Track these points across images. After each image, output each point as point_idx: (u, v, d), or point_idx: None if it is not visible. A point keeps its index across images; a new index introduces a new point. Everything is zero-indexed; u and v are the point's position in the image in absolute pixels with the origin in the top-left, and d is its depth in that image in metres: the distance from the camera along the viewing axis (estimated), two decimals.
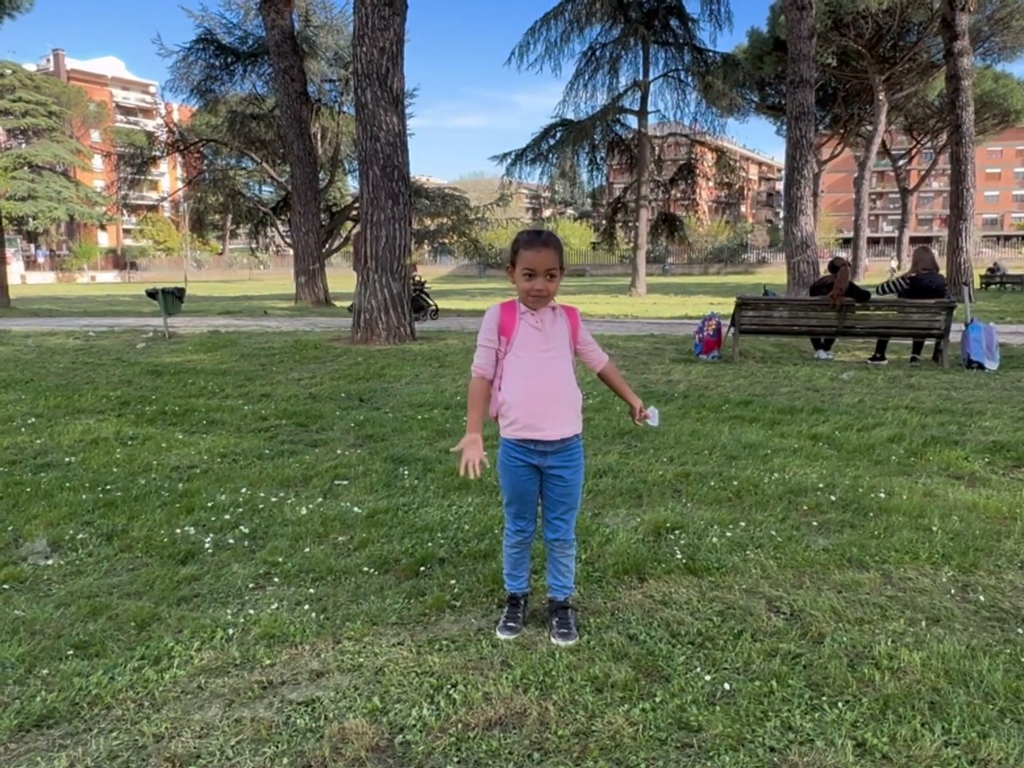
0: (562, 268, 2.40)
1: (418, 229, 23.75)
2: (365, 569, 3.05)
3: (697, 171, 25.06)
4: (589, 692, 2.25)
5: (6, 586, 2.94)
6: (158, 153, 23.22)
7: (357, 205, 13.34)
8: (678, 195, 26.43)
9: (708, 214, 54.06)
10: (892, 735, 2.07)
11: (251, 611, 2.74)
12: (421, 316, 13.51)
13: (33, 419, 5.69)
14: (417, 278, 14.08)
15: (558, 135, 23.82)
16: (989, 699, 2.21)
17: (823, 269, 13.86)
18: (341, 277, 40.34)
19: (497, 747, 2.04)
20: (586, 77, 23.07)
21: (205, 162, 25.88)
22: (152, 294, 11.48)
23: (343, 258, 53.67)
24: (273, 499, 3.88)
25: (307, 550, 3.25)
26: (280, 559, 3.15)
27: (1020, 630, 2.57)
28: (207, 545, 3.30)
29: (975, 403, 6.12)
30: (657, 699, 2.21)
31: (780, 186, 67.19)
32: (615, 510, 3.71)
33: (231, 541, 3.35)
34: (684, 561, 3.08)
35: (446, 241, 25.30)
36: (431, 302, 14.19)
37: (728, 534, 3.37)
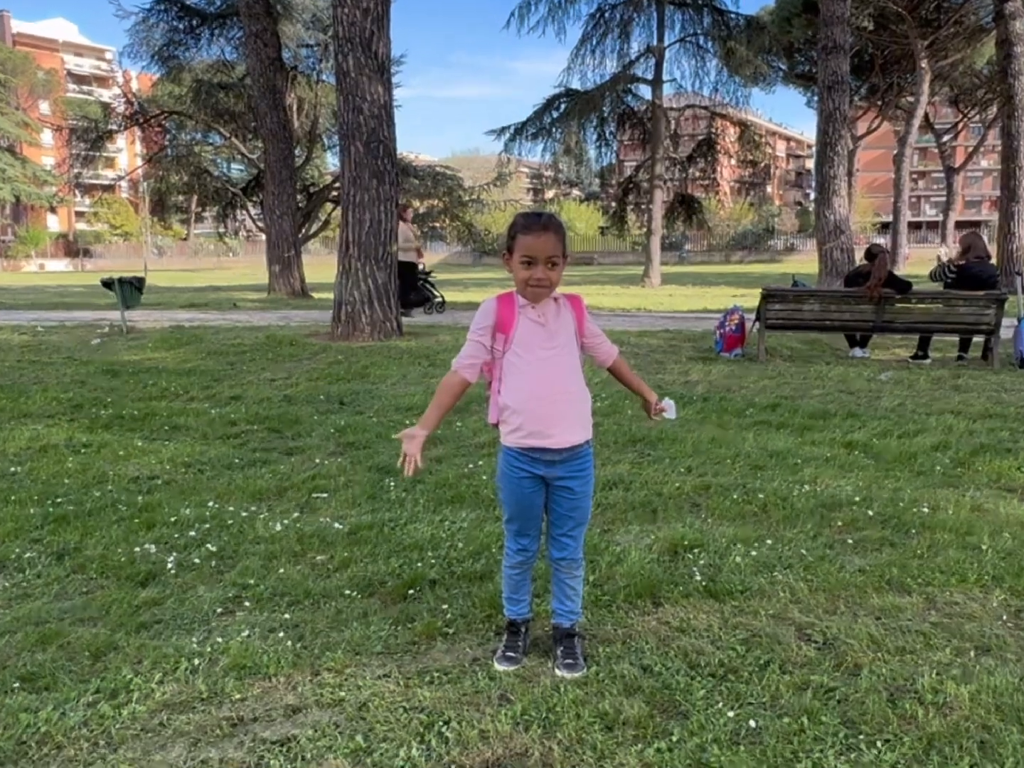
0: (565, 255, 2.41)
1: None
2: (347, 592, 3.05)
3: (718, 147, 25.11)
4: (598, 730, 2.25)
5: None
6: (115, 127, 23.18)
7: (338, 185, 13.37)
8: (697, 174, 26.50)
9: (730, 195, 54.18)
10: None
11: (219, 639, 2.74)
12: (427, 309, 13.43)
13: None
14: (422, 266, 13.91)
15: (562, 107, 23.85)
16: None
17: (859, 257, 13.91)
18: (320, 265, 40.43)
19: None
20: (594, 42, 23.09)
21: (167, 137, 25.88)
22: (108, 284, 11.47)
23: (322, 244, 53.84)
24: (243, 514, 3.89)
25: (282, 571, 3.25)
26: (251, 581, 3.15)
27: None
28: (170, 565, 3.30)
29: None
30: (674, 738, 2.21)
31: (811, 164, 67.42)
32: (627, 526, 3.72)
33: (197, 561, 3.35)
34: (704, 583, 3.09)
35: (437, 225, 25.35)
36: (437, 293, 14.04)
37: (753, 553, 3.38)
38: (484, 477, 4.39)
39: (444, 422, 5.72)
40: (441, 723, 2.29)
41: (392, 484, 4.33)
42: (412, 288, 13.41)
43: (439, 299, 13.75)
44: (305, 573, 3.23)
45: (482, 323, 2.44)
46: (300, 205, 21.55)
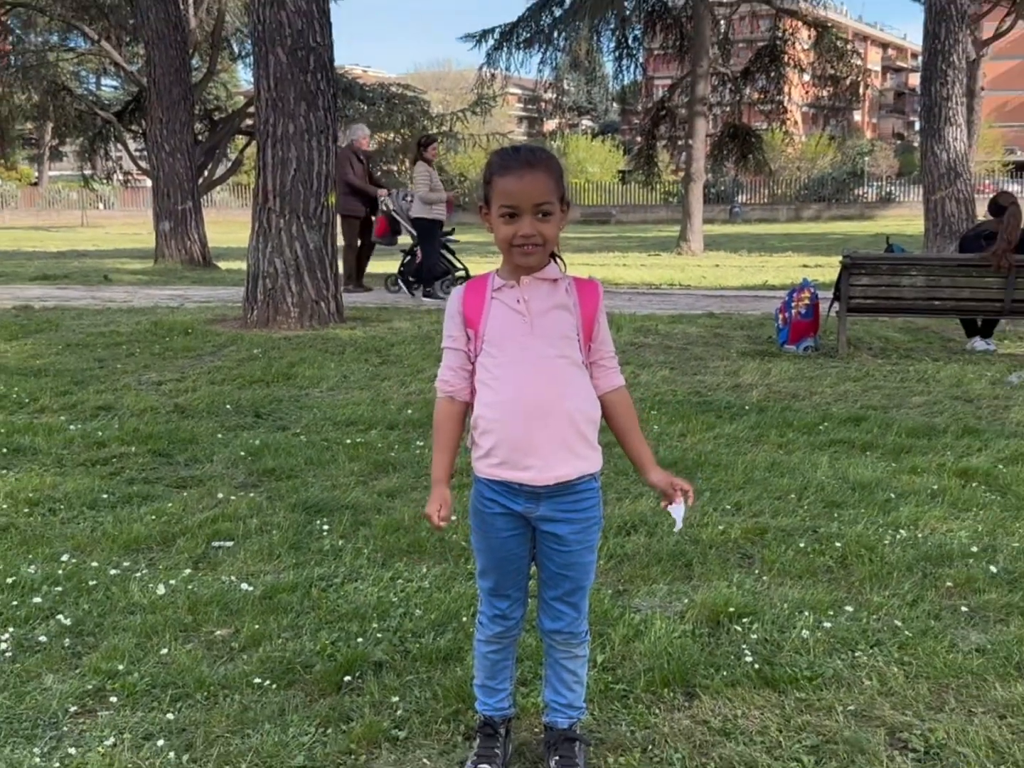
0: (565, 203, 2.44)
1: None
2: (257, 681, 3.05)
3: (785, 58, 25.22)
4: None
5: None
6: None
7: (253, 111, 13.22)
8: (755, 96, 26.64)
9: (802, 126, 54.46)
10: None
11: (71, 750, 2.73)
12: (443, 287, 13.29)
13: None
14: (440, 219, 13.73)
15: (566, 2, 23.92)
16: None
17: (981, 211, 13.97)
18: (228, 223, 40.40)
19: None
20: None
21: (10, 40, 25.80)
22: None
23: (231, 194, 53.73)
24: (113, 571, 3.89)
25: (165, 652, 3.25)
26: (121, 667, 3.15)
27: None
28: (3, 645, 3.29)
29: None
30: None
31: (916, 81, 67.83)
32: (650, 586, 3.74)
33: (43, 639, 3.34)
34: (757, 667, 3.11)
35: (394, 169, 25.37)
36: (459, 264, 13.82)
37: (826, 625, 3.40)
38: (453, 518, 4.38)
39: (400, 441, 5.82)
40: None
41: (325, 528, 4.36)
42: (438, 257, 13.51)
43: (461, 271, 13.59)
44: (198, 655, 3.22)
45: (451, 320, 2.50)
46: (200, 138, 21.57)
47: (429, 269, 13.37)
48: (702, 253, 23.41)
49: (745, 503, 4.66)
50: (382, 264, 16.02)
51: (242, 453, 5.54)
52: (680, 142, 26.91)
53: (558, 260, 2.51)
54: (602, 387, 2.54)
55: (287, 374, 7.74)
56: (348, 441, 5.77)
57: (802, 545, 4.11)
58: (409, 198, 14.04)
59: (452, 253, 13.83)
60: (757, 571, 3.89)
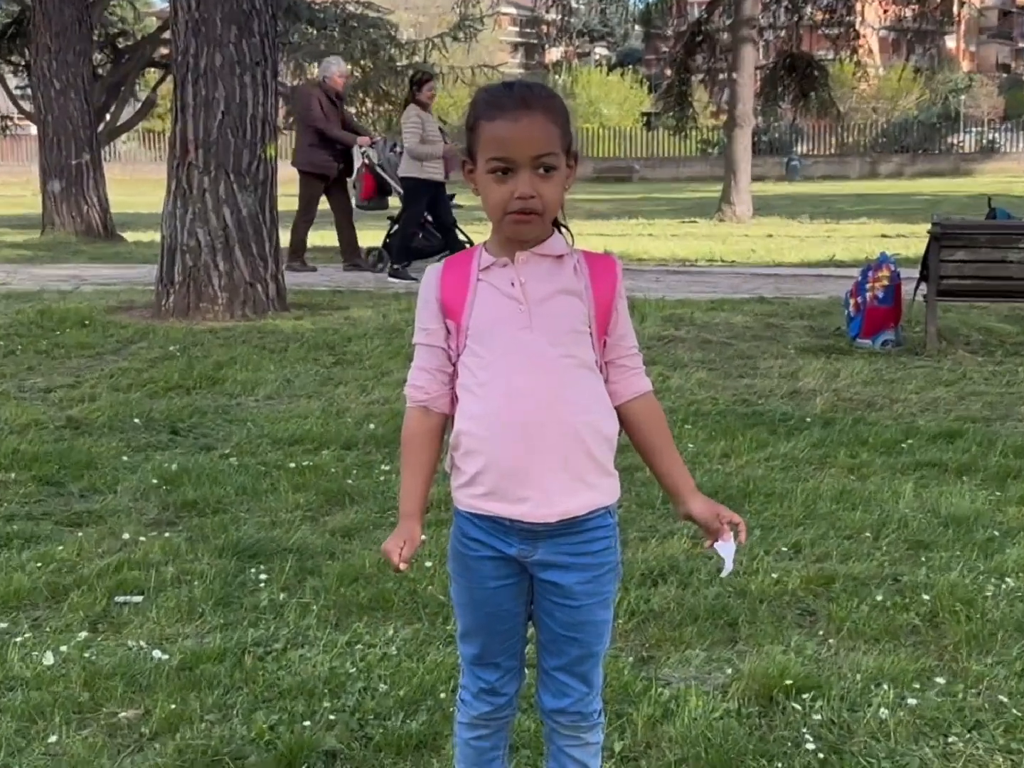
0: (573, 156, 2.44)
1: (295, 86, 23.83)
2: None
3: None
4: None
5: None
6: None
7: (167, 37, 13.13)
8: (818, 17, 26.65)
9: (879, 55, 54.49)
10: None
11: None
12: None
13: None
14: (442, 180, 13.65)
15: None
16: None
17: None
18: (137, 182, 40.27)
19: None
20: None
21: None
22: None
23: (141, 144, 53.60)
24: None
25: (54, 739, 3.24)
26: None
27: None
28: None
29: None
30: None
31: None
32: (683, 652, 3.74)
33: None
34: (821, 756, 3.11)
35: (353, 111, 25.28)
36: (469, 241, 13.75)
37: (911, 701, 3.40)
38: (428, 564, 4.40)
39: (360, 463, 5.81)
40: None
41: (262, 578, 4.35)
42: (440, 226, 13.53)
43: (466, 242, 13.54)
44: (97, 743, 3.21)
45: (425, 309, 2.50)
46: (100, 72, 21.54)
47: (403, 239, 13.38)
48: (750, 219, 23.46)
49: (806, 544, 4.66)
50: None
51: (154, 481, 5.52)
52: (722, 76, 26.90)
53: (564, 230, 2.50)
54: (622, 394, 2.54)
55: (213, 378, 7.73)
56: (292, 465, 5.76)
57: (880, 598, 4.10)
58: (399, 150, 14.00)
59: (456, 226, 13.73)
60: (821, 632, 3.88)
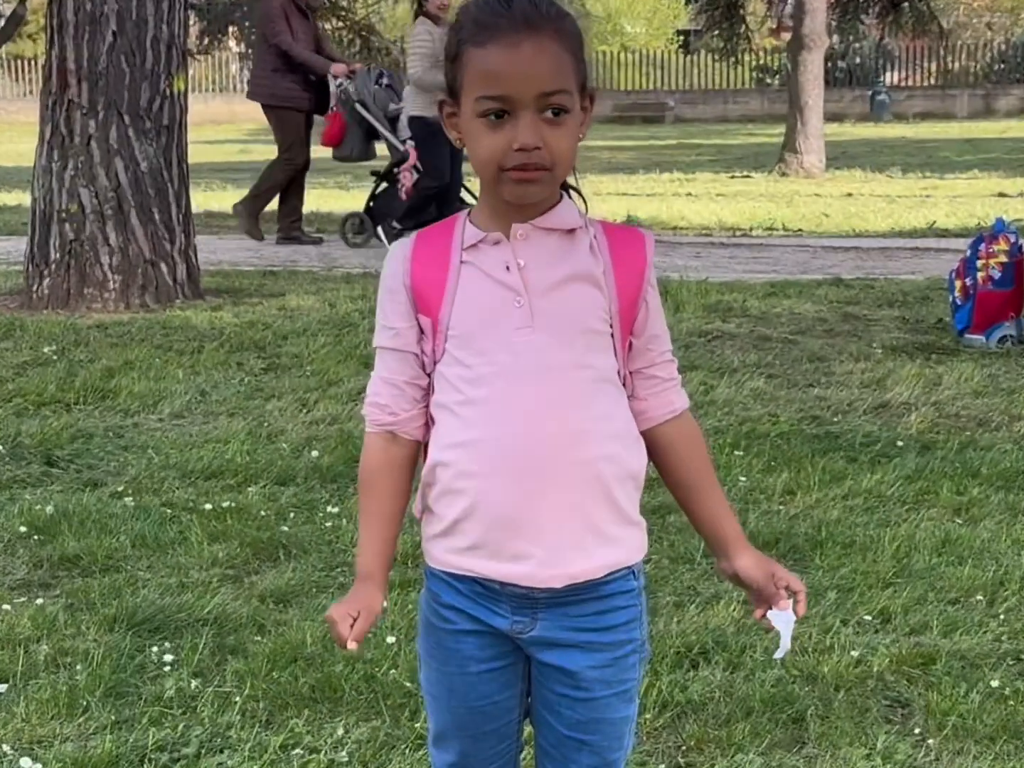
0: (588, 94, 2.43)
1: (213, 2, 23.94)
2: None
3: None
4: None
5: None
6: None
7: None
8: None
9: None
10: None
11: None
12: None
13: None
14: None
15: None
16: None
17: None
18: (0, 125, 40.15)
19: None
20: None
21: None
22: None
23: (4, 74, 53.59)
24: None
25: None
26: None
27: None
28: None
29: None
30: None
31: None
32: (731, 757, 3.74)
33: None
34: None
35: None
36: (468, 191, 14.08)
37: None
38: (390, 640, 4.39)
39: (300, 503, 5.79)
40: None
41: (167, 659, 4.33)
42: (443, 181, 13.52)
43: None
44: None
45: (390, 301, 2.48)
46: None
47: (421, 198, 13.37)
48: (823, 174, 23.49)
49: (897, 611, 4.63)
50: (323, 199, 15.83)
51: (22, 528, 5.49)
52: None
53: (576, 195, 2.50)
54: (652, 415, 2.54)
55: (102, 390, 7.70)
56: (208, 507, 5.73)
57: (996, 684, 4.08)
58: (385, 81, 13.94)
59: (464, 187, 13.80)
60: (918, 730, 3.85)
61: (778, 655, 2.60)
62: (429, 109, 12.60)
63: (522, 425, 2.40)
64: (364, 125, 14.10)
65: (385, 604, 2.54)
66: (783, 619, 2.53)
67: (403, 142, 13.82)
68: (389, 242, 13.07)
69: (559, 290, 2.41)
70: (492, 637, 2.49)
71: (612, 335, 2.45)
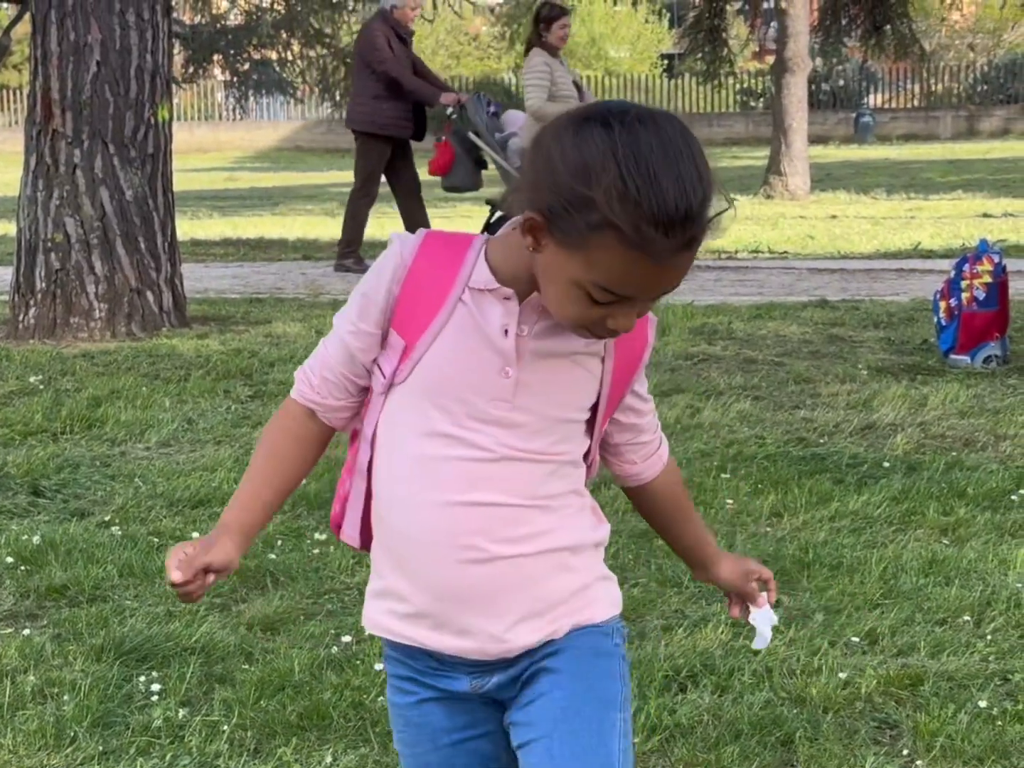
0: None
1: (197, 26, 23.93)
2: None
3: None
4: None
5: None
6: None
7: None
8: None
9: None
10: None
11: None
12: None
13: None
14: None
15: None
16: None
17: None
18: None
19: None
20: None
21: None
22: None
23: None
24: None
25: None
26: None
27: None
28: None
29: None
30: None
31: None
32: None
33: None
34: None
35: (273, 59, 25.24)
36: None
37: None
38: (378, 667, 4.34)
39: (287, 534, 5.76)
40: None
41: (154, 689, 4.31)
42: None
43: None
44: None
45: (369, 297, 2.30)
46: None
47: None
48: (807, 196, 23.52)
49: (884, 632, 4.63)
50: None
51: (8, 559, 5.46)
52: (767, 4, 27.04)
53: None
54: (644, 475, 2.52)
55: (88, 419, 7.68)
56: (195, 535, 5.67)
57: (984, 704, 4.06)
58: (492, 109, 13.78)
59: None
60: (906, 751, 3.84)
61: (757, 645, 2.66)
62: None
63: (473, 496, 2.27)
64: (473, 154, 13.74)
65: (235, 566, 2.35)
66: (762, 617, 2.60)
67: (517, 169, 13.74)
68: None
69: (552, 370, 2.28)
70: (458, 703, 2.40)
71: (589, 419, 2.36)
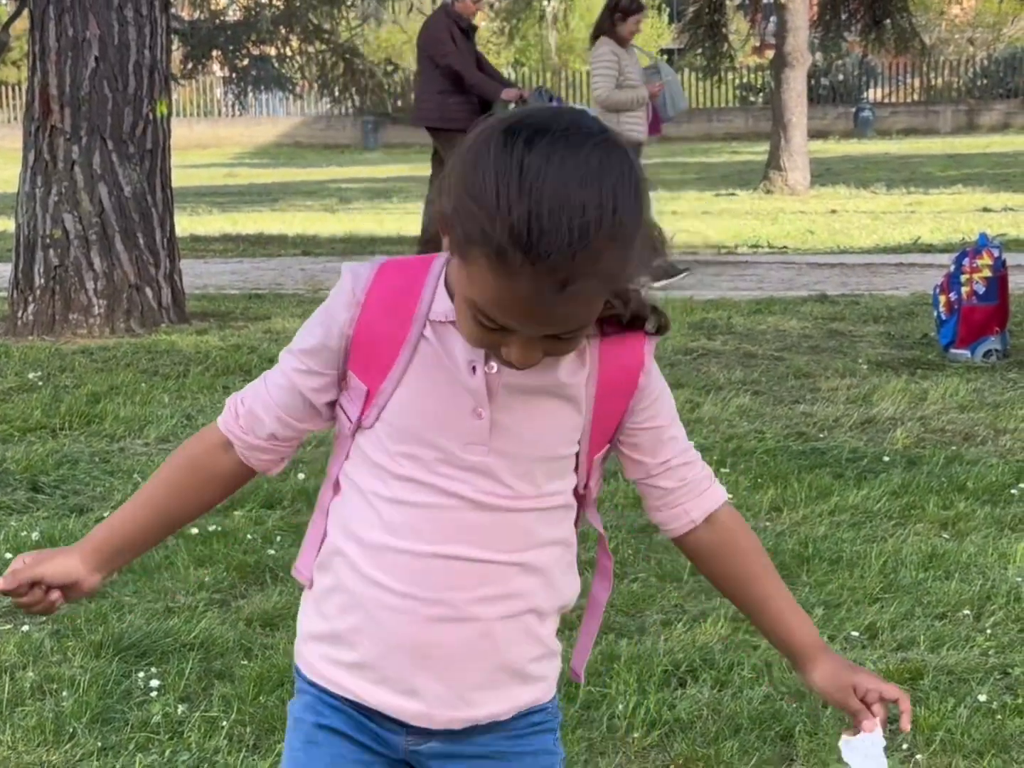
0: (622, 289, 2.02)
1: (195, 22, 23.91)
2: None
3: None
4: None
5: None
6: None
7: None
8: None
9: None
10: None
11: None
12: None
13: None
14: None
15: None
16: None
17: None
18: None
19: None
20: None
21: None
22: None
23: None
24: None
25: None
26: None
27: None
28: None
29: None
30: None
31: None
32: None
33: None
34: None
35: (272, 55, 25.23)
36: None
37: None
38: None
39: (287, 530, 5.75)
40: None
41: (153, 685, 4.31)
42: None
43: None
44: None
45: (319, 339, 2.13)
46: None
47: None
48: (807, 191, 23.47)
49: (884, 626, 4.63)
50: None
51: (8, 555, 5.42)
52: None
53: None
54: (670, 526, 2.26)
55: (87, 415, 7.69)
56: (194, 531, 5.69)
57: (983, 698, 4.07)
58: (555, 103, 13.65)
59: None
60: (905, 745, 3.84)
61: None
62: (632, 122, 12.46)
63: (448, 549, 2.09)
64: None
65: (87, 586, 2.23)
66: (861, 746, 2.12)
67: None
68: None
69: (529, 407, 2.07)
70: (368, 752, 2.20)
71: (579, 453, 2.16)
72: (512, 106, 13.28)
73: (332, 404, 2.15)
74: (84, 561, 2.19)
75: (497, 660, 2.15)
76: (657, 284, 12.03)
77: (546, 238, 1.75)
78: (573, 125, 1.86)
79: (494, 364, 2.00)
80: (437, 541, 2.08)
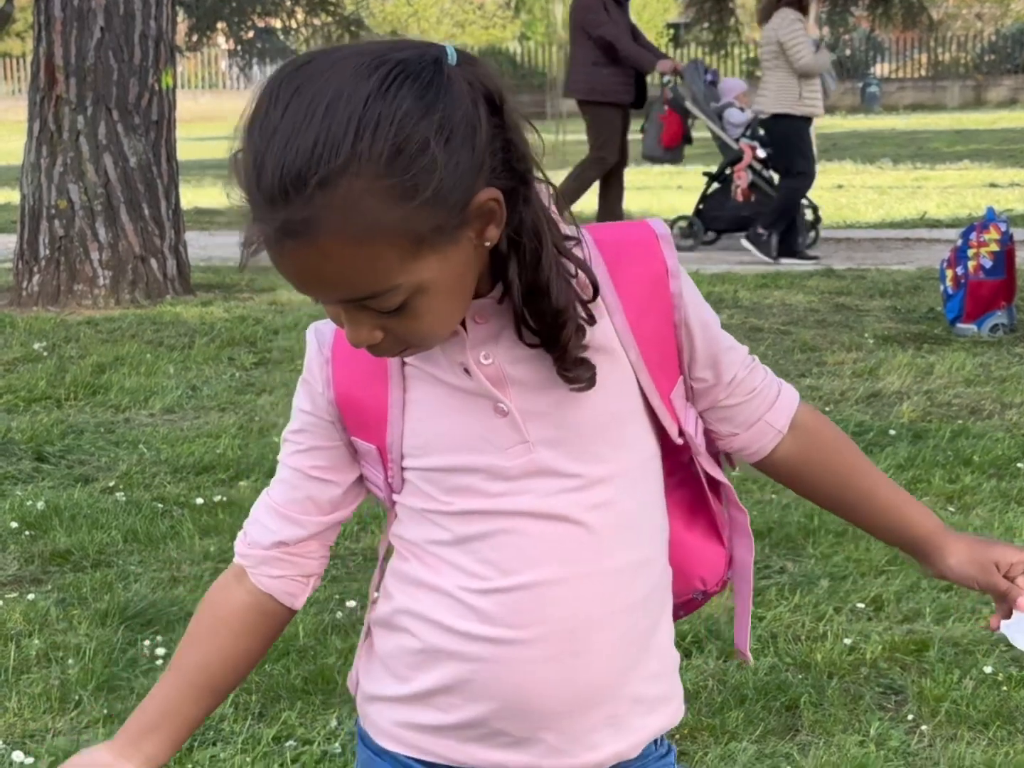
0: (486, 209, 1.62)
1: None
2: None
3: None
4: None
5: None
6: None
7: None
8: None
9: None
10: None
11: None
12: (803, 246, 12.74)
13: None
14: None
15: None
16: None
17: None
18: None
19: None
20: None
21: None
22: None
23: None
24: None
25: None
26: None
27: None
28: None
29: None
30: None
31: None
32: (725, 743, 3.72)
33: None
34: None
35: (277, 27, 25.15)
36: (808, 201, 13.55)
37: None
38: None
39: None
40: None
41: (159, 653, 4.32)
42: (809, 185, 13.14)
43: (812, 222, 13.38)
44: None
45: (307, 412, 1.94)
46: None
47: (790, 201, 12.97)
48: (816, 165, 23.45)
49: (890, 599, 4.63)
50: None
51: (13, 524, 5.48)
52: None
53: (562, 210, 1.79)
54: (752, 449, 1.94)
55: (92, 386, 7.70)
56: (199, 501, 5.72)
57: (989, 670, 4.07)
58: (708, 77, 13.65)
59: (768, 182, 13.48)
60: (911, 716, 3.85)
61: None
62: (793, 103, 12.56)
63: (555, 570, 1.77)
64: (687, 126, 13.71)
65: None
66: (1020, 626, 1.92)
67: (736, 140, 13.60)
68: (760, 251, 12.55)
69: (549, 384, 1.74)
70: None
71: (644, 395, 1.80)
72: (667, 79, 13.23)
73: (353, 486, 1.89)
74: (110, 749, 1.84)
75: (615, 688, 1.82)
76: (784, 261, 12.09)
77: (265, 180, 1.54)
78: (327, 55, 1.60)
79: (488, 354, 1.72)
80: (530, 577, 1.76)
